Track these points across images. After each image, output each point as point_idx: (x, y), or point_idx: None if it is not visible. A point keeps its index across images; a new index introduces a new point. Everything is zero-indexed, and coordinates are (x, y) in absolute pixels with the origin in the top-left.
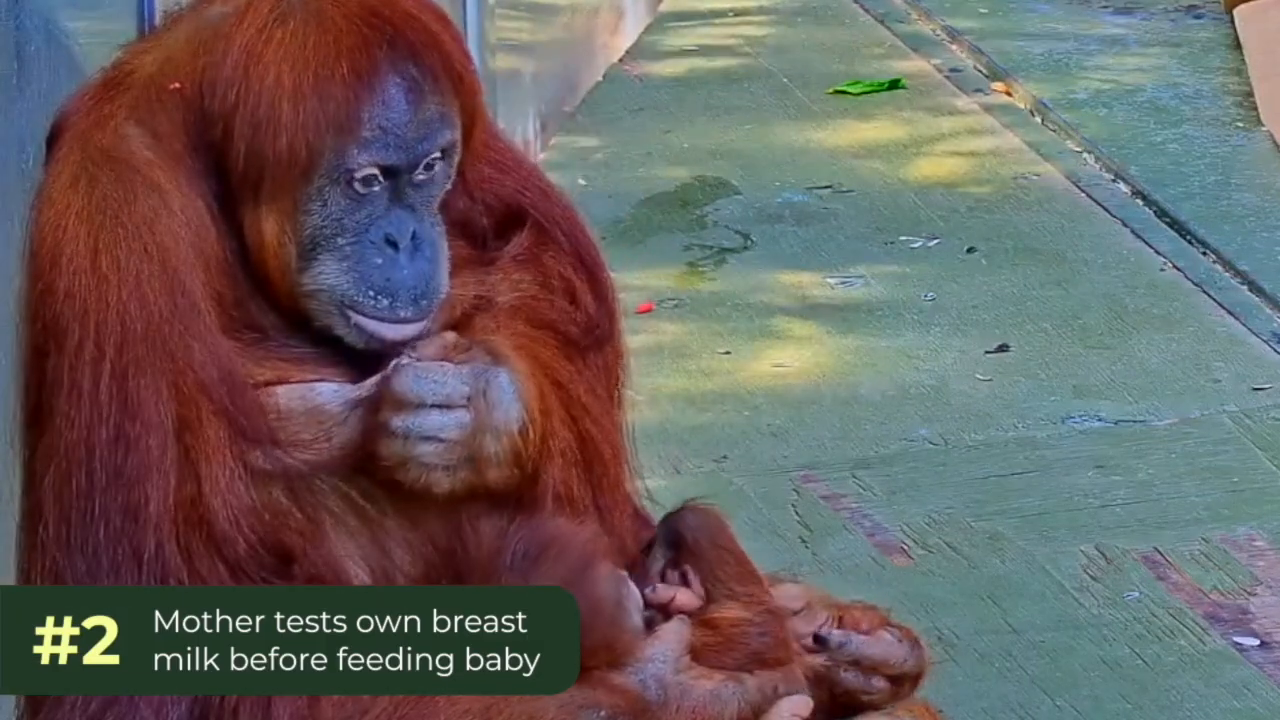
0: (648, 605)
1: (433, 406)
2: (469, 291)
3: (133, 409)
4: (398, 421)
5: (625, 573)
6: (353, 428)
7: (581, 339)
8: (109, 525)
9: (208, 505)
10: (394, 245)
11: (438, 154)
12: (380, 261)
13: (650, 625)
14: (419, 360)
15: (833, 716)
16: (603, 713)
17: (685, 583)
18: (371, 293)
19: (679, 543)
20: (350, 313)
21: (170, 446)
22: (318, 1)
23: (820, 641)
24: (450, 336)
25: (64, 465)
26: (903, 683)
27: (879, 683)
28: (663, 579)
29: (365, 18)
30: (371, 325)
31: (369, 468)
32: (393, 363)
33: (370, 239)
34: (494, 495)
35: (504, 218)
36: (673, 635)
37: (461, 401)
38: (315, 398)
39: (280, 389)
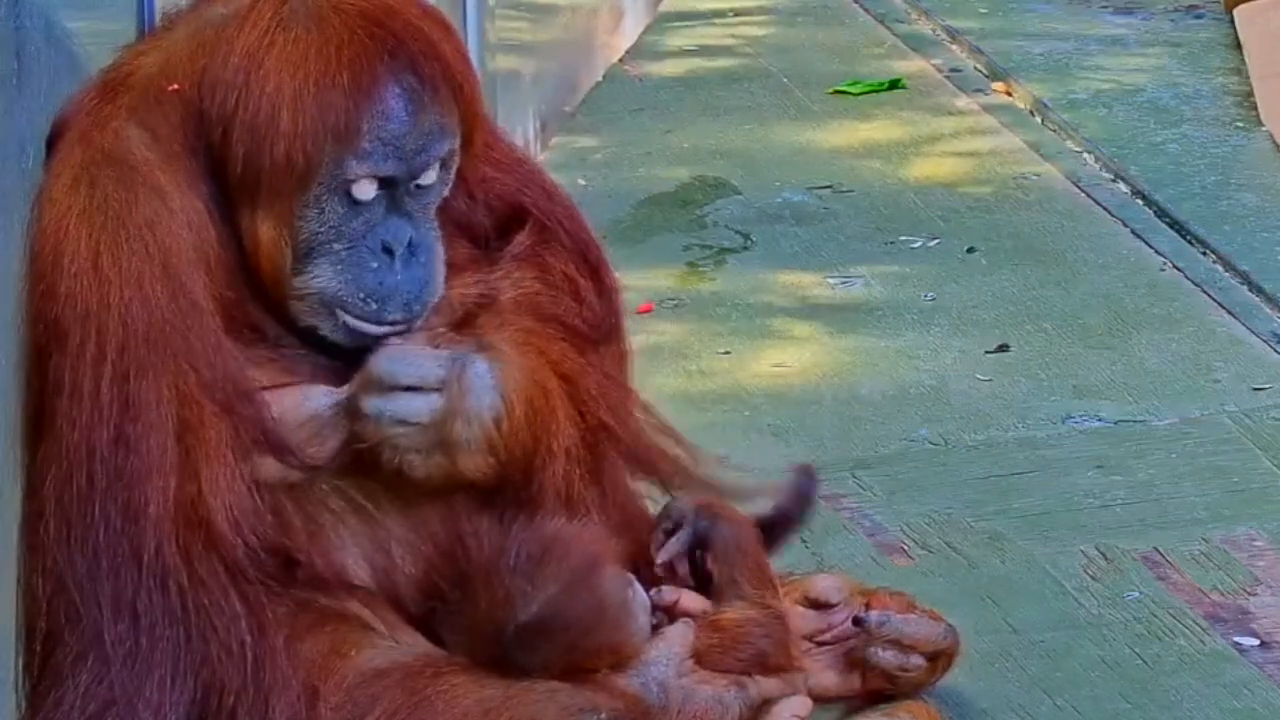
0: (653, 608)
1: (406, 389)
2: (471, 291)
3: (134, 410)
4: (370, 402)
5: (631, 574)
6: (343, 429)
7: (588, 334)
8: (109, 526)
9: (208, 506)
10: (390, 253)
11: (436, 163)
12: (375, 267)
13: (655, 628)
14: (400, 344)
15: (863, 707)
16: (603, 715)
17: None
18: (362, 295)
19: (706, 542)
20: (339, 311)
21: (171, 448)
22: (320, 8)
23: (859, 623)
24: (444, 330)
25: (65, 466)
26: (938, 660)
27: (916, 660)
28: (671, 566)
29: (366, 27)
30: (357, 324)
31: (364, 465)
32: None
33: (366, 246)
34: (474, 485)
35: (505, 217)
36: (676, 637)
37: (435, 385)
38: (308, 403)
39: (275, 395)
